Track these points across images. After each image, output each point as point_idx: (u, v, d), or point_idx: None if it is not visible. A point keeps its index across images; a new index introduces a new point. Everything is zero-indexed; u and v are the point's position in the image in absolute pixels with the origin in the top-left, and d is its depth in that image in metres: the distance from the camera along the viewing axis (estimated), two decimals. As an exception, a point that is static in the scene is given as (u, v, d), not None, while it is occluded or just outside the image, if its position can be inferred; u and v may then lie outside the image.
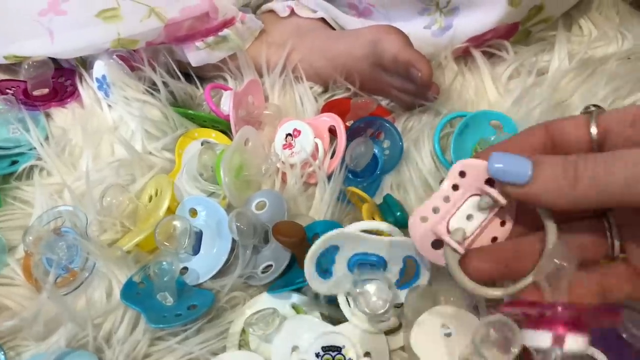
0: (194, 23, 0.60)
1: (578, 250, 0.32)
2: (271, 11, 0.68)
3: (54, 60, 0.63)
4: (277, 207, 0.50)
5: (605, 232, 0.33)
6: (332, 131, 0.56)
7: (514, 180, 0.31)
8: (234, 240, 0.48)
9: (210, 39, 0.62)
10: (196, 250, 0.50)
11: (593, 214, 0.34)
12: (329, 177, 0.53)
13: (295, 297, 0.46)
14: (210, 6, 0.60)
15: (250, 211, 0.49)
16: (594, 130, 0.31)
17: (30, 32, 0.60)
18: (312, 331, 0.43)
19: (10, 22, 0.61)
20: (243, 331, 0.46)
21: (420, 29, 0.62)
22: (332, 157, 0.55)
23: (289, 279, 0.46)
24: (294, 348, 0.43)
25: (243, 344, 0.45)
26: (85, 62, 0.65)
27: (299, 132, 0.55)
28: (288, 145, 0.55)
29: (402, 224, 0.45)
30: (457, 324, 0.39)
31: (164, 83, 0.60)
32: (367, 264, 0.42)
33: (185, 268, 0.49)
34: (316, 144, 0.54)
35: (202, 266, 0.49)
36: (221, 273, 0.48)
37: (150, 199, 0.53)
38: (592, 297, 0.32)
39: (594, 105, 0.33)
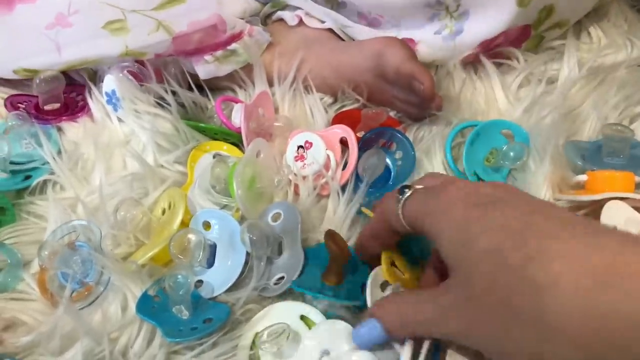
0: (203, 37, 0.60)
1: None
2: (280, 20, 0.69)
3: (65, 75, 0.64)
4: (291, 219, 0.50)
5: None
6: (344, 142, 0.56)
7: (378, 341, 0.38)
8: (248, 253, 0.48)
9: (219, 52, 0.62)
10: (210, 263, 0.50)
11: None
12: (342, 189, 0.53)
13: (304, 309, 0.46)
14: (218, 20, 0.60)
15: (264, 222, 0.49)
16: (399, 214, 0.38)
17: (38, 46, 0.60)
18: (346, 339, 0.42)
19: (18, 37, 0.61)
20: (253, 344, 0.45)
21: (430, 35, 0.62)
22: (344, 168, 0.55)
23: (309, 283, 0.46)
24: (324, 352, 0.42)
25: (254, 359, 0.45)
26: (96, 76, 0.65)
27: (311, 144, 0.55)
28: (300, 157, 0.55)
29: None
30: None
31: (174, 94, 0.61)
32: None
33: (200, 281, 0.49)
34: (328, 156, 0.54)
35: (217, 279, 0.49)
36: (235, 286, 0.48)
37: (164, 212, 0.53)
38: None
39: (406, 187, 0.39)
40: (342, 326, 0.43)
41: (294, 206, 0.51)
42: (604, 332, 0.26)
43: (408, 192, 0.38)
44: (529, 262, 0.29)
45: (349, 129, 0.55)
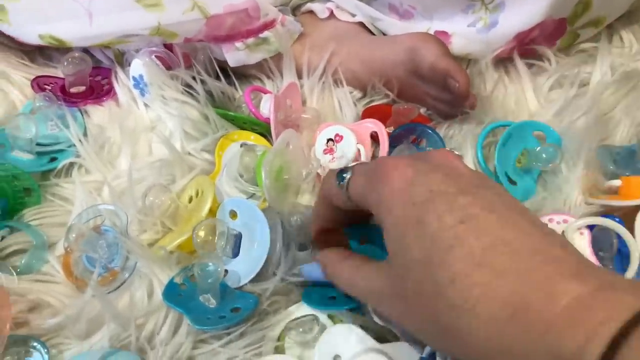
0: (236, 22, 0.59)
1: None
2: (310, 12, 0.68)
3: (91, 58, 0.63)
4: None
5: None
6: (374, 137, 0.56)
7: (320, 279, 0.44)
8: (272, 243, 0.48)
9: (250, 40, 0.61)
10: (235, 252, 0.49)
11: None
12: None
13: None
14: (252, 5, 0.59)
15: (302, 206, 0.49)
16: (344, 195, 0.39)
17: (69, 12, 0.58)
18: (357, 343, 0.42)
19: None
20: (279, 339, 0.45)
21: (464, 28, 0.61)
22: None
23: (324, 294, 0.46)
24: (336, 357, 0.42)
25: (280, 351, 0.45)
26: (122, 60, 0.65)
27: (341, 137, 0.54)
28: (329, 150, 0.55)
29: None
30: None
31: (202, 82, 0.60)
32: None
33: (225, 270, 0.49)
34: (359, 150, 0.54)
35: (242, 269, 0.48)
36: (260, 276, 0.48)
37: (190, 199, 0.52)
38: None
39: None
40: (352, 330, 0.43)
41: None
42: None
43: (348, 176, 0.38)
44: (451, 284, 0.29)
45: (380, 124, 0.55)
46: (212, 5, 0.57)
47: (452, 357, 0.33)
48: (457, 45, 0.62)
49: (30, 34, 0.61)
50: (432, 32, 0.63)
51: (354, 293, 0.39)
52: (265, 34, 0.61)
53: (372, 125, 0.55)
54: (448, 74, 0.54)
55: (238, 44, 0.61)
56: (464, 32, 0.61)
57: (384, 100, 0.62)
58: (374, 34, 0.67)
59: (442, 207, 0.31)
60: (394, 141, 0.55)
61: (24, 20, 0.60)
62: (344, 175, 0.38)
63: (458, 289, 0.29)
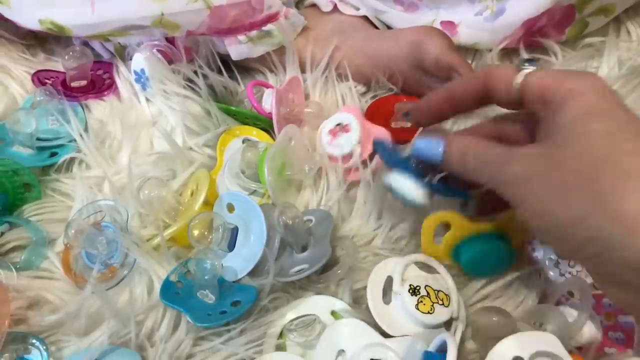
0: (239, 14, 0.59)
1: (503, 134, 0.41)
2: (314, 5, 0.67)
3: (92, 52, 0.63)
4: (323, 225, 0.49)
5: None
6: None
7: (432, 157, 0.40)
8: (268, 238, 0.47)
9: (253, 33, 0.61)
10: (231, 246, 0.49)
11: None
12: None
13: (337, 304, 0.45)
14: (256, 3, 0.58)
15: (297, 209, 0.48)
16: (516, 84, 0.37)
17: None
18: (361, 338, 0.41)
19: None
20: (281, 335, 0.45)
21: (471, 17, 0.61)
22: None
23: None
24: (340, 352, 0.42)
25: (280, 348, 0.44)
26: (124, 54, 0.64)
27: (349, 130, 0.53)
28: (333, 134, 0.54)
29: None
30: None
31: (204, 77, 0.59)
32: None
33: (221, 264, 0.48)
34: (353, 151, 0.53)
35: (238, 263, 0.48)
36: (258, 271, 0.47)
37: (192, 194, 0.52)
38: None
39: (528, 62, 0.38)
40: (356, 325, 0.43)
41: (328, 213, 0.50)
42: None
43: (532, 67, 0.37)
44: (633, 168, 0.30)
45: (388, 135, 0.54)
46: None
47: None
48: (464, 35, 0.61)
49: (30, 18, 0.60)
50: (437, 22, 0.62)
51: (501, 179, 0.36)
52: (269, 27, 0.61)
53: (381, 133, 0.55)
54: (453, 68, 0.53)
55: (241, 37, 0.60)
56: (471, 22, 0.61)
57: (388, 94, 0.62)
58: (377, 28, 0.66)
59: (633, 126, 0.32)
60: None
61: (24, 3, 0.59)
62: (529, 63, 0.38)
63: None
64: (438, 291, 0.44)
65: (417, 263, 0.46)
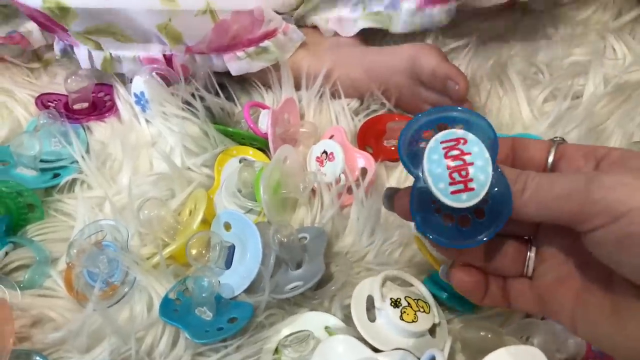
0: (239, 30, 0.60)
1: (498, 263, 0.35)
2: (314, 27, 0.69)
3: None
4: (317, 242, 0.51)
5: (525, 254, 0.35)
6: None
7: None
8: (264, 255, 0.49)
9: (251, 49, 0.63)
10: (228, 264, 0.51)
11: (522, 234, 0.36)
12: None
13: (331, 320, 0.47)
14: (258, 15, 0.60)
15: (292, 227, 0.50)
16: (551, 156, 0.34)
17: None
18: (353, 352, 0.43)
19: None
20: (276, 350, 0.46)
21: None
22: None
23: None
24: None
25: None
26: (124, 77, 0.66)
27: (334, 158, 0.55)
28: (320, 161, 0.56)
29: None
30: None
31: (202, 99, 0.61)
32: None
33: (218, 282, 0.50)
34: (340, 177, 0.55)
35: (235, 280, 0.49)
36: (254, 288, 0.49)
37: (191, 213, 0.53)
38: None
39: (560, 138, 0.35)
40: (348, 341, 0.43)
41: (323, 231, 0.52)
42: None
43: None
44: None
45: (372, 161, 0.56)
46: (222, 12, 0.58)
47: None
48: None
49: None
50: None
51: (548, 204, 0.30)
52: (266, 43, 0.63)
53: (364, 161, 0.56)
54: (449, 77, 0.56)
55: (239, 53, 0.62)
56: None
57: (383, 110, 0.64)
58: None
59: None
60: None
61: None
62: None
63: None
64: (417, 300, 0.45)
65: (391, 278, 0.47)
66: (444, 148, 0.30)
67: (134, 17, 0.59)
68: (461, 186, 0.30)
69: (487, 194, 0.30)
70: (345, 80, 0.64)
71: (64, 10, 0.59)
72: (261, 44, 0.63)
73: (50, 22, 0.61)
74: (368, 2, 0.65)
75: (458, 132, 0.31)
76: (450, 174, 0.30)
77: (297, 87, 0.66)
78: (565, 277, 0.34)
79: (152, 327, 0.47)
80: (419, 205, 0.32)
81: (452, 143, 0.30)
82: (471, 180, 0.30)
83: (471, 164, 0.30)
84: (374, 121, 0.62)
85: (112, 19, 0.59)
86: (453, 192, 0.30)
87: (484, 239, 0.31)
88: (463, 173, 0.30)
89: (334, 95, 0.65)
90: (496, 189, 0.30)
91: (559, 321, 0.34)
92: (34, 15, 0.61)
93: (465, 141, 0.30)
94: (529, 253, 0.35)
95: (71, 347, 0.46)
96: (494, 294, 0.36)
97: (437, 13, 0.63)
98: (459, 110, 0.32)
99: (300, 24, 0.70)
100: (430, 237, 0.32)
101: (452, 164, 0.30)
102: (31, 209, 0.56)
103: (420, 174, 0.31)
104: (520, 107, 0.62)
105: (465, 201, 0.30)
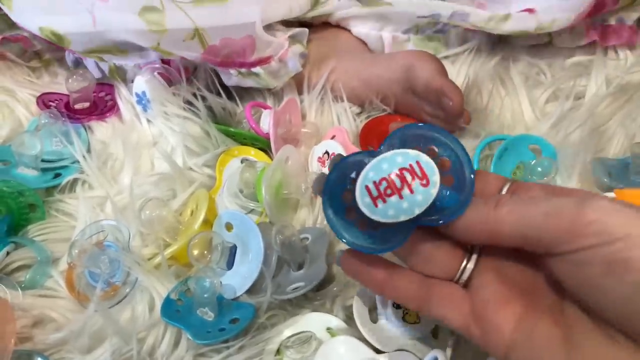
0: (230, 53, 0.60)
1: (432, 264, 0.34)
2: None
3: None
4: (318, 243, 0.51)
5: (460, 261, 0.34)
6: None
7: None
8: (266, 256, 0.49)
9: (243, 70, 0.62)
10: (230, 264, 0.50)
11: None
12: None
13: (333, 321, 0.46)
14: (249, 44, 0.60)
15: (294, 228, 0.50)
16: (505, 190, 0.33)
17: (72, 8, 0.57)
18: (356, 353, 0.42)
19: None
20: (278, 351, 0.46)
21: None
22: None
23: None
24: None
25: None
26: (117, 75, 0.66)
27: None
28: (322, 162, 0.56)
29: None
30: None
31: (203, 98, 0.61)
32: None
33: (220, 282, 0.49)
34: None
35: (236, 281, 0.49)
36: (256, 289, 0.49)
37: (192, 213, 0.53)
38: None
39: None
40: (351, 342, 0.43)
41: (324, 231, 0.51)
42: None
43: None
44: None
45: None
46: (212, 36, 0.58)
47: None
48: (543, 15, 0.61)
49: (31, 24, 0.61)
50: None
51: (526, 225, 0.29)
52: (257, 69, 0.62)
53: None
54: (442, 93, 0.54)
55: (232, 71, 0.62)
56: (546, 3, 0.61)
57: (382, 114, 0.63)
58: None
59: None
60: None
61: (26, 8, 0.60)
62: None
63: None
64: None
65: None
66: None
67: (126, 39, 0.59)
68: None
69: None
70: (345, 88, 0.63)
71: (59, 37, 0.60)
72: (253, 69, 0.62)
73: (53, 43, 0.62)
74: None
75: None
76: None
77: (299, 92, 0.66)
78: (507, 298, 0.32)
79: (154, 328, 0.46)
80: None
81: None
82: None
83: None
84: (376, 122, 0.62)
85: (105, 43, 0.60)
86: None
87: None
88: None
89: (336, 99, 0.64)
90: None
91: (485, 344, 0.32)
92: (37, 37, 0.62)
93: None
94: (467, 263, 0.34)
95: (73, 348, 0.46)
96: (404, 289, 0.34)
97: None
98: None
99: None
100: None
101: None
102: (32, 209, 0.56)
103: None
104: (522, 107, 0.62)
105: None
